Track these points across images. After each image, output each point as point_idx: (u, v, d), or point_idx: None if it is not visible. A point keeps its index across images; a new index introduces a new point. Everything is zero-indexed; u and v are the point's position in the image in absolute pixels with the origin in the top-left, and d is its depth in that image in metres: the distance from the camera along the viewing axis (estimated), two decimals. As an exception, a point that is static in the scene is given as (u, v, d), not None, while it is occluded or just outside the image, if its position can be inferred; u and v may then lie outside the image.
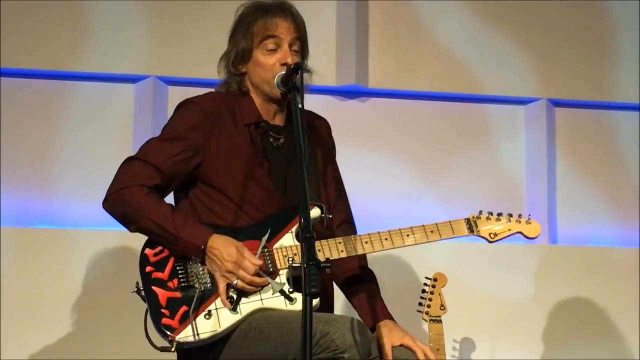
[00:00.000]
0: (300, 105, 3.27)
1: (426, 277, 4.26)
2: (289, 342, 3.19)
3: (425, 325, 4.20)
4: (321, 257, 3.34)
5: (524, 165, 5.25)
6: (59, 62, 4.90)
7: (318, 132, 3.66)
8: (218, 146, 3.44)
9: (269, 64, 3.46)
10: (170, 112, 4.83)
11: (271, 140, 3.52)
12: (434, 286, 4.22)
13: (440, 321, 4.17)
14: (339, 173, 3.70)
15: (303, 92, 3.32)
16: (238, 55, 3.50)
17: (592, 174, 5.30)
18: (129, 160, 3.44)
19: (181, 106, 3.53)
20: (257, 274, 3.29)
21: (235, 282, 3.28)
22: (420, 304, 4.21)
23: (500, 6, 5.26)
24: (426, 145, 5.19)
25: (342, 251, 3.40)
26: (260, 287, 3.30)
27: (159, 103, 4.94)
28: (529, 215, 3.62)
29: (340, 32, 5.06)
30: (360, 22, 5.10)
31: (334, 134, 3.70)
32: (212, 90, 3.60)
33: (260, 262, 3.29)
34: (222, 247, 3.29)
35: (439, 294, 4.21)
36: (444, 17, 5.22)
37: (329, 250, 3.39)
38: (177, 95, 4.95)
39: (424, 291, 4.22)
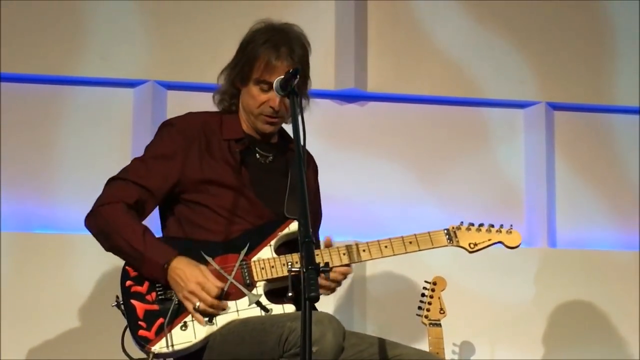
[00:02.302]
0: (299, 113, 3.28)
1: (425, 281, 4.27)
2: (261, 342, 3.23)
3: (425, 329, 4.20)
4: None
5: (523, 169, 5.24)
6: (58, 67, 4.90)
7: (309, 161, 3.76)
8: (195, 162, 3.52)
9: (259, 100, 3.55)
10: (169, 117, 4.89)
11: (257, 156, 3.62)
12: (433, 290, 4.23)
13: (439, 325, 4.17)
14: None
15: (301, 117, 3.35)
16: (238, 75, 3.59)
17: (591, 177, 5.29)
18: (110, 180, 3.54)
19: (160, 128, 3.64)
20: (219, 297, 3.34)
21: (197, 304, 3.33)
22: (419, 307, 4.21)
23: (499, 9, 5.26)
24: (425, 149, 5.18)
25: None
26: (221, 310, 3.35)
27: (158, 107, 4.94)
28: (511, 225, 3.67)
29: (339, 36, 5.06)
30: (359, 26, 5.09)
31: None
32: (192, 111, 3.69)
33: (221, 284, 3.34)
34: (186, 267, 3.35)
35: (439, 298, 4.21)
36: (443, 20, 5.22)
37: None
38: (176, 99, 4.96)
39: (423, 295, 4.23)
